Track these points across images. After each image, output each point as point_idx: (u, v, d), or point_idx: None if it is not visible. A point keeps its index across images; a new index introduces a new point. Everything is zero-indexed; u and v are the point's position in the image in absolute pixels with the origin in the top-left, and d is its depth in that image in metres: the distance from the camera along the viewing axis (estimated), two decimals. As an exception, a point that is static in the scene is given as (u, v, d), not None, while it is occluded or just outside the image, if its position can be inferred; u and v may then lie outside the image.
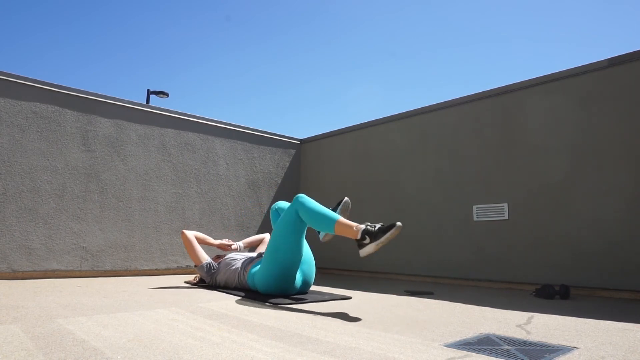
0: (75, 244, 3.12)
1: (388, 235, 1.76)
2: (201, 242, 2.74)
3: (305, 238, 2.22)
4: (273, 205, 2.47)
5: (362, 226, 1.83)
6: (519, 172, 2.90)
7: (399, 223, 1.77)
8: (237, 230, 3.99)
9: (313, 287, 2.64)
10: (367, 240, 1.80)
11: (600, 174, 2.56)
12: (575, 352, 1.19)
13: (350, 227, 1.85)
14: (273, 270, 2.13)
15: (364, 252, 1.81)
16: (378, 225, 1.81)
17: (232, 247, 2.83)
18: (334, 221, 1.91)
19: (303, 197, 2.04)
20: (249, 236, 4.02)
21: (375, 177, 3.81)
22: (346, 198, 2.23)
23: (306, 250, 2.30)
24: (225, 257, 2.63)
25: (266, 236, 3.04)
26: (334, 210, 2.20)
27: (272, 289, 2.16)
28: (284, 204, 2.44)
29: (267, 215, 4.22)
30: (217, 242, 2.81)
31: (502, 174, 2.98)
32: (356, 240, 1.84)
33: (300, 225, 2.08)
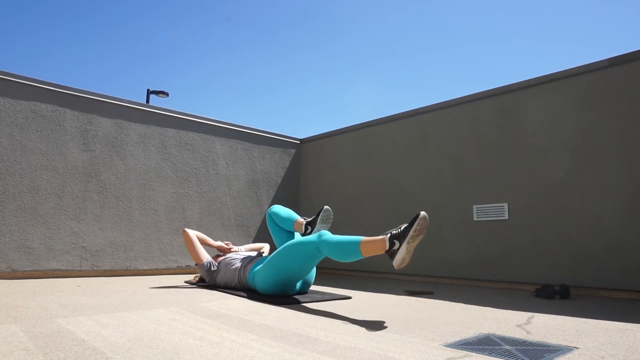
0: (75, 243, 3.12)
1: (415, 227, 1.60)
2: (201, 242, 2.75)
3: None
4: (269, 210, 2.45)
5: (387, 234, 1.69)
6: (519, 172, 2.90)
7: (422, 212, 1.61)
8: (237, 230, 3.99)
9: (313, 287, 2.64)
10: (397, 244, 1.64)
11: (600, 174, 2.56)
12: (575, 352, 1.19)
13: (375, 240, 1.71)
14: (272, 278, 2.14)
15: (398, 259, 1.64)
16: (403, 226, 1.66)
17: (232, 249, 2.83)
18: (357, 244, 1.76)
19: (326, 234, 1.92)
20: (249, 236, 4.04)
21: (375, 177, 3.81)
22: (326, 207, 2.23)
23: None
24: (226, 257, 2.63)
25: (265, 246, 3.05)
26: (314, 220, 2.24)
27: (271, 292, 2.17)
28: (279, 210, 2.41)
29: (267, 215, 4.23)
30: (217, 243, 2.81)
31: (502, 174, 2.98)
32: (386, 252, 1.68)
33: (318, 257, 1.98)
